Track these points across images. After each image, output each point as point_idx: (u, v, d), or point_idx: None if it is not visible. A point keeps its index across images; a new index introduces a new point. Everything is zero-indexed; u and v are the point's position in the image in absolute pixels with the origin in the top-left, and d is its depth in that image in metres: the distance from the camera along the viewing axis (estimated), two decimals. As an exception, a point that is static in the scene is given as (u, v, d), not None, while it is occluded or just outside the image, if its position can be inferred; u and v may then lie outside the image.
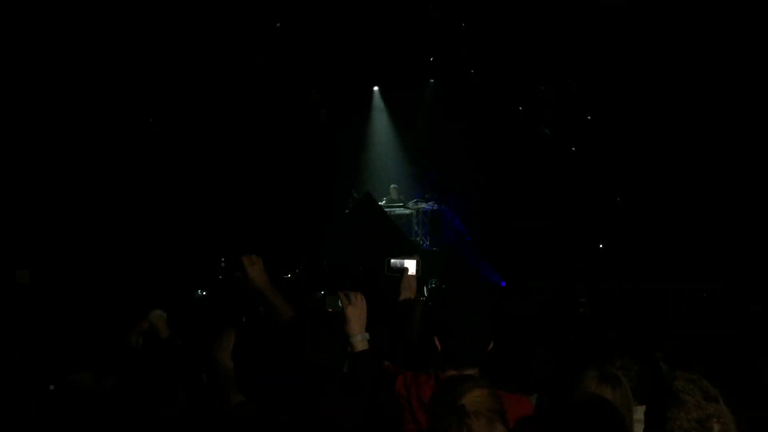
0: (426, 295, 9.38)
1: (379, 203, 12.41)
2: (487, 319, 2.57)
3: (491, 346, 2.57)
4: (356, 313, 2.60)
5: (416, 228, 13.17)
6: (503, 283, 12.18)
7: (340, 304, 2.63)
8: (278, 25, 12.67)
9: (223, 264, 9.69)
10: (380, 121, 14.82)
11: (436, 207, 13.09)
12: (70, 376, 2.58)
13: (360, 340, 2.56)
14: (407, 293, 3.47)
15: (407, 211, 13.19)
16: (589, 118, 12.89)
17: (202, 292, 8.89)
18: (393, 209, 12.89)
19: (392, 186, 13.36)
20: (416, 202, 13.23)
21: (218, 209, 11.53)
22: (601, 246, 11.87)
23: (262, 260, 3.01)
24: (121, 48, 9.94)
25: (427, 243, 12.93)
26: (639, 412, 2.41)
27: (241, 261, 2.98)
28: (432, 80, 14.45)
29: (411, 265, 3.54)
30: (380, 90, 14.75)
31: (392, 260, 3.57)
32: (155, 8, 10.01)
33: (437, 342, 2.57)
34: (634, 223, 11.28)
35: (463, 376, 2.22)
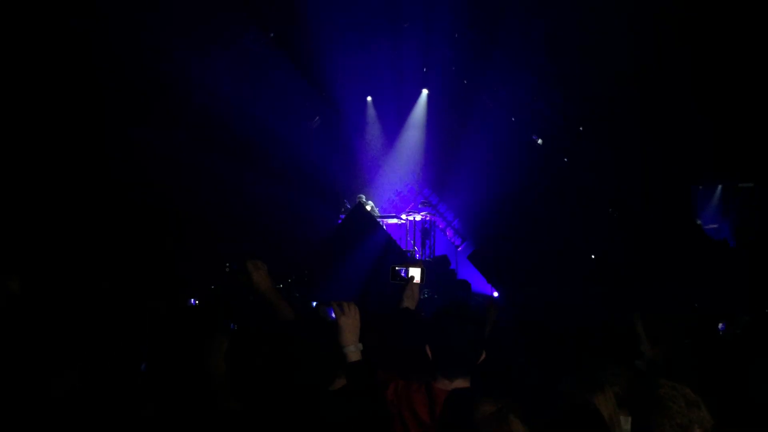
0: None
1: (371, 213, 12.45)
2: (478, 331, 2.60)
3: (483, 356, 2.60)
4: (349, 323, 2.61)
5: (409, 238, 13.20)
6: (495, 294, 12.20)
7: (333, 315, 2.65)
8: (272, 34, 12.72)
9: (227, 269, 9.68)
10: (373, 131, 14.86)
11: (428, 217, 13.12)
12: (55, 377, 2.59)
13: (353, 351, 2.57)
14: (410, 301, 3.48)
15: (400, 221, 13.23)
16: (581, 129, 12.96)
17: (194, 300, 8.86)
18: (385, 219, 12.93)
19: (359, 196, 13.37)
20: (409, 212, 13.26)
21: (210, 219, 11.53)
22: (593, 256, 11.92)
23: (266, 266, 3.03)
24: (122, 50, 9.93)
25: (420, 253, 12.95)
26: (627, 423, 2.45)
27: (245, 266, 3.01)
28: (425, 90, 14.52)
29: (416, 273, 3.58)
30: (373, 100, 14.81)
31: (397, 267, 3.61)
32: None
33: (428, 351, 2.59)
34: (625, 234, 11.35)
35: (478, 399, 2.25)
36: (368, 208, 12.94)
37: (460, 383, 2.55)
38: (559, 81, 12.24)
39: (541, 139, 13.56)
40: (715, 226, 12.79)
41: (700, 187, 12.98)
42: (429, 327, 2.67)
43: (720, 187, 13.09)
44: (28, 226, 8.67)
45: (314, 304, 6.81)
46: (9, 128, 8.78)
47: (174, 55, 10.84)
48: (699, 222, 12.58)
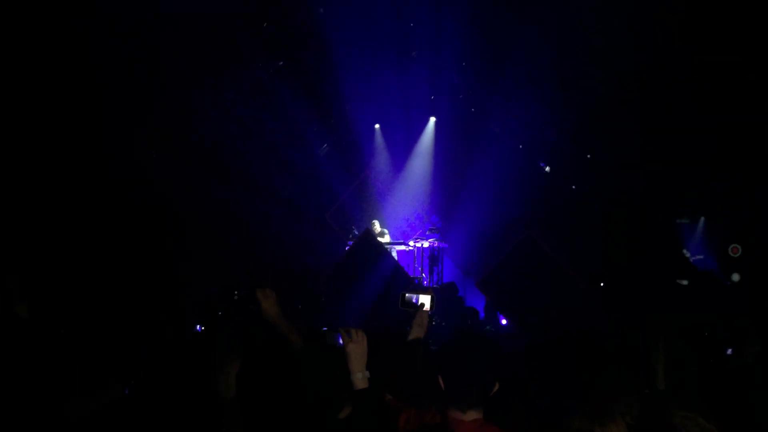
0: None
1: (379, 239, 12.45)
2: (491, 361, 2.57)
3: (496, 388, 2.56)
4: (357, 350, 2.60)
5: (417, 265, 13.18)
6: (504, 321, 12.11)
7: (341, 341, 2.64)
8: (281, 62, 12.85)
9: (236, 297, 9.70)
10: (381, 158, 14.94)
11: (437, 244, 13.10)
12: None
13: (360, 378, 2.56)
14: (419, 329, 3.46)
15: (408, 248, 13.22)
16: (588, 156, 12.97)
17: (200, 327, 8.84)
18: (393, 246, 12.93)
19: (372, 222, 13.43)
20: (417, 239, 13.25)
21: (218, 245, 11.55)
22: (602, 284, 11.84)
23: (275, 294, 3.04)
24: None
25: (428, 280, 12.92)
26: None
27: (255, 295, 3.02)
28: (433, 118, 14.61)
29: (426, 301, 3.56)
30: (381, 128, 14.91)
31: (407, 294, 3.59)
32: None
33: (441, 381, 2.57)
34: (633, 259, 11.29)
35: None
36: (377, 231, 13.02)
37: (473, 414, 2.51)
38: (566, 108, 12.28)
39: (549, 166, 13.57)
40: (700, 257, 12.77)
41: (686, 220, 12.99)
42: (442, 356, 2.64)
43: (702, 218, 13.08)
44: (40, 253, 8.70)
45: (324, 329, 6.79)
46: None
47: (186, 83, 10.96)
48: (686, 254, 12.57)
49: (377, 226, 13.18)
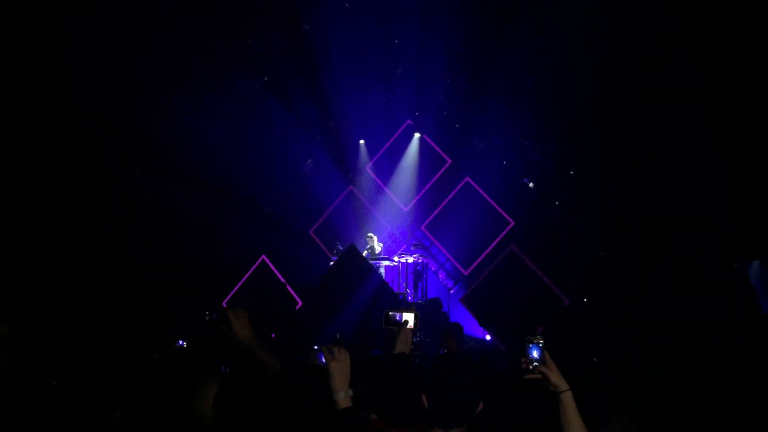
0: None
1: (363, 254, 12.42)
2: (476, 380, 2.55)
3: (481, 407, 2.54)
4: (339, 368, 2.57)
5: (401, 280, 13.16)
6: (488, 338, 12.11)
7: (323, 359, 2.61)
8: (266, 78, 12.86)
9: (207, 317, 9.60)
10: (366, 174, 14.95)
11: (421, 259, 13.10)
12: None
13: (343, 397, 2.53)
14: (403, 346, 3.45)
15: (392, 264, 13.19)
16: (571, 173, 13.05)
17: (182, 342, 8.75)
18: (378, 261, 12.90)
19: (368, 235, 13.47)
20: (401, 254, 13.24)
21: (200, 263, 11.47)
22: (585, 300, 11.86)
23: (247, 314, 3.00)
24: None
25: (412, 295, 12.89)
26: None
27: (226, 315, 2.96)
28: (417, 134, 14.66)
29: (410, 318, 3.57)
30: (366, 143, 14.95)
31: (390, 312, 3.60)
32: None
33: (425, 400, 2.54)
34: (617, 278, 11.31)
35: None
36: (376, 246, 13.04)
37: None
38: (550, 126, 12.37)
39: (533, 182, 13.64)
40: None
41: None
42: (427, 375, 2.62)
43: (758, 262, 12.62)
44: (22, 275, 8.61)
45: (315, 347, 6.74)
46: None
47: (169, 99, 10.92)
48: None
49: (371, 242, 13.24)
